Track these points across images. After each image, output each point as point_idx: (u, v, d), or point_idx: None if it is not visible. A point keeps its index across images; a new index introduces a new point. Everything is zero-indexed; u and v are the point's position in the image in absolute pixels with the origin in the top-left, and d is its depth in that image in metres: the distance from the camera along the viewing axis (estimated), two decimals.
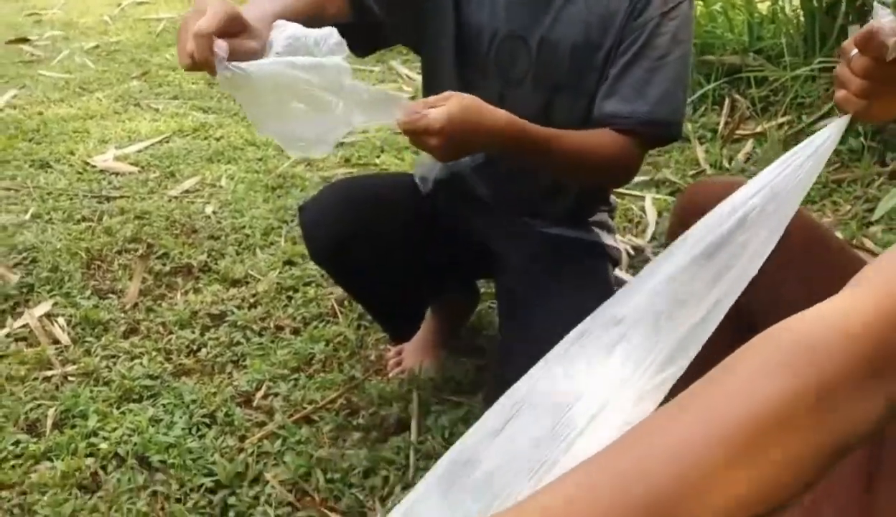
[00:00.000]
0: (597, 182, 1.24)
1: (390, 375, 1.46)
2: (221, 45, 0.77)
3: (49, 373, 1.44)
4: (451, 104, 0.93)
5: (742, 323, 0.93)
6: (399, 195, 1.30)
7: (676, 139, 1.16)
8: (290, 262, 1.84)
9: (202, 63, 0.78)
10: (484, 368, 1.46)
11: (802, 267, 0.89)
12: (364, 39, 1.19)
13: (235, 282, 1.76)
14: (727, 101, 2.59)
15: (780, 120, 2.41)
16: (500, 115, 0.98)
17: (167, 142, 2.60)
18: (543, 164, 1.10)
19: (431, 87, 1.25)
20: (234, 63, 0.78)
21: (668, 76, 1.08)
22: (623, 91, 1.08)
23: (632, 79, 1.08)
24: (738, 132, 2.45)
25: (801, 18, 2.70)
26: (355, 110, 0.86)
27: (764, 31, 2.78)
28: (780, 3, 2.63)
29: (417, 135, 0.93)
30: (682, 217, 0.97)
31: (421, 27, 1.17)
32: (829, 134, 0.79)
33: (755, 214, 0.72)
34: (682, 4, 1.09)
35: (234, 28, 0.80)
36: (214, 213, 2.09)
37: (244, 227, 2.01)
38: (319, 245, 1.24)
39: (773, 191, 0.74)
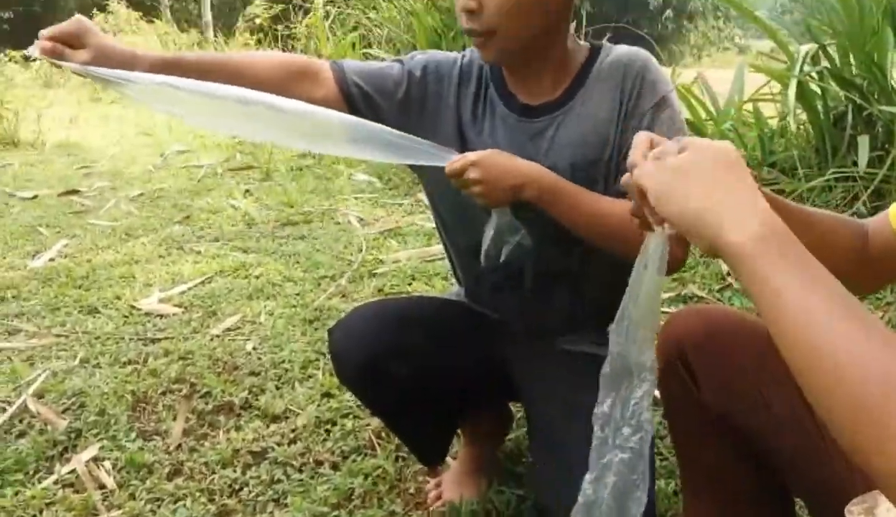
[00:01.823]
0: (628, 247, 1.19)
1: (431, 509, 1.46)
2: (37, 44, 1.02)
3: None
4: (487, 149, 1.10)
5: (727, 429, 0.94)
6: (427, 317, 1.32)
7: None
8: (328, 395, 1.88)
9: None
10: (525, 497, 1.46)
11: (777, 372, 0.90)
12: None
13: (275, 418, 1.80)
14: None
15: None
16: (533, 163, 1.12)
17: (209, 282, 2.72)
18: (579, 219, 1.11)
19: (438, 212, 1.33)
20: (85, 68, 1.02)
21: None
22: None
23: None
24: None
25: (811, 131, 2.81)
26: (411, 154, 1.08)
27: (775, 145, 2.88)
28: (788, 118, 2.74)
29: (461, 174, 1.08)
30: (665, 353, 1.00)
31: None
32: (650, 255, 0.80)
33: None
34: (669, 94, 1.15)
35: (71, 41, 1.03)
36: (255, 348, 2.16)
37: (283, 361, 2.07)
38: (347, 366, 1.25)
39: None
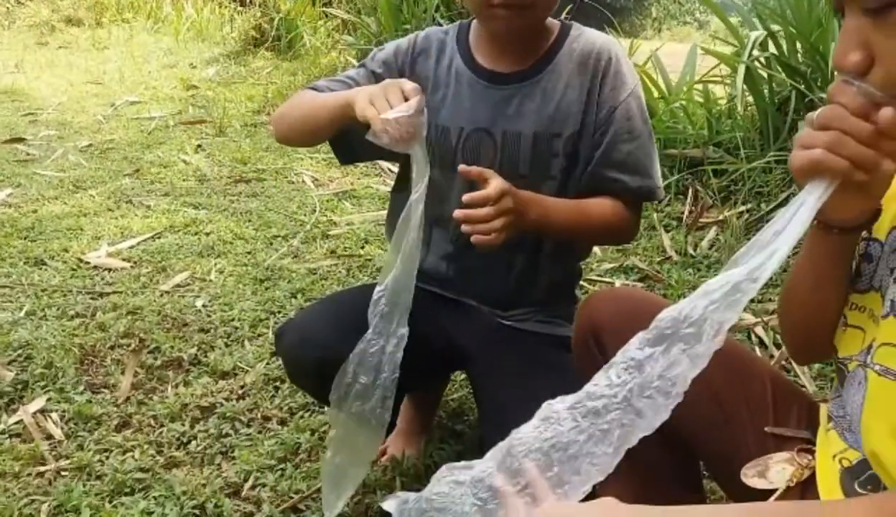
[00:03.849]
0: (607, 239, 1.39)
1: (374, 465, 1.52)
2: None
3: (42, 468, 1.48)
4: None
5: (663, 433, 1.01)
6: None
7: (660, 199, 1.33)
8: (276, 353, 1.91)
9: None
10: (464, 453, 1.53)
11: (704, 372, 0.97)
12: (347, 150, 1.32)
13: (224, 375, 1.83)
14: (690, 192, 2.76)
15: (741, 208, 2.57)
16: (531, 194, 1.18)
17: (159, 238, 2.71)
18: (571, 226, 1.21)
19: (405, 179, 1.36)
20: None
21: (645, 150, 1.23)
22: (612, 173, 1.22)
23: (614, 163, 1.22)
24: (701, 220, 2.60)
25: (756, 114, 2.91)
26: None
27: (722, 125, 2.98)
28: (736, 101, 2.83)
29: (497, 200, 1.08)
30: (581, 331, 1.06)
31: None
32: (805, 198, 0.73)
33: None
34: (636, 88, 1.24)
35: None
36: (204, 306, 2.17)
37: (233, 319, 2.09)
38: (300, 370, 1.28)
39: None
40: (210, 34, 7.49)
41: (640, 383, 0.72)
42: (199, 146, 3.97)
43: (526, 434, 0.79)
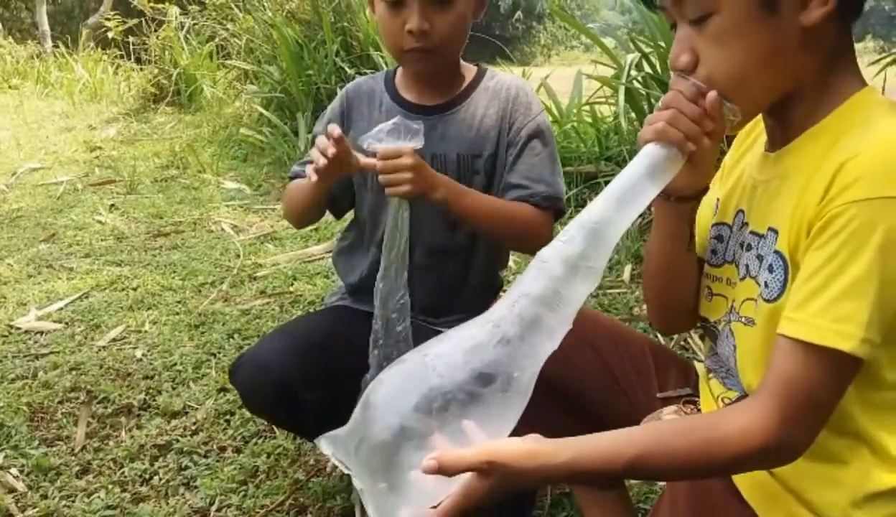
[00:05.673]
0: (519, 239, 1.46)
1: (331, 474, 1.65)
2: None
3: None
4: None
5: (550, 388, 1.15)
6: (324, 336, 1.46)
7: (562, 213, 1.48)
8: (223, 390, 2.01)
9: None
10: None
11: (596, 348, 1.14)
12: (336, 206, 1.52)
13: (175, 414, 1.91)
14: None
15: None
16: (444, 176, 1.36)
17: (86, 297, 2.74)
18: (480, 212, 1.37)
19: (359, 206, 1.53)
20: None
21: (547, 164, 1.43)
22: (519, 181, 1.41)
23: (520, 173, 1.42)
24: None
25: (639, 128, 3.22)
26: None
27: (610, 141, 3.29)
28: (620, 118, 3.14)
29: (396, 156, 1.26)
30: None
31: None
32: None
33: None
34: (540, 115, 1.47)
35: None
36: (145, 355, 2.24)
37: (175, 364, 2.17)
38: (258, 401, 1.41)
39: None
40: (106, 94, 7.42)
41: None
42: (112, 205, 3.98)
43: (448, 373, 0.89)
